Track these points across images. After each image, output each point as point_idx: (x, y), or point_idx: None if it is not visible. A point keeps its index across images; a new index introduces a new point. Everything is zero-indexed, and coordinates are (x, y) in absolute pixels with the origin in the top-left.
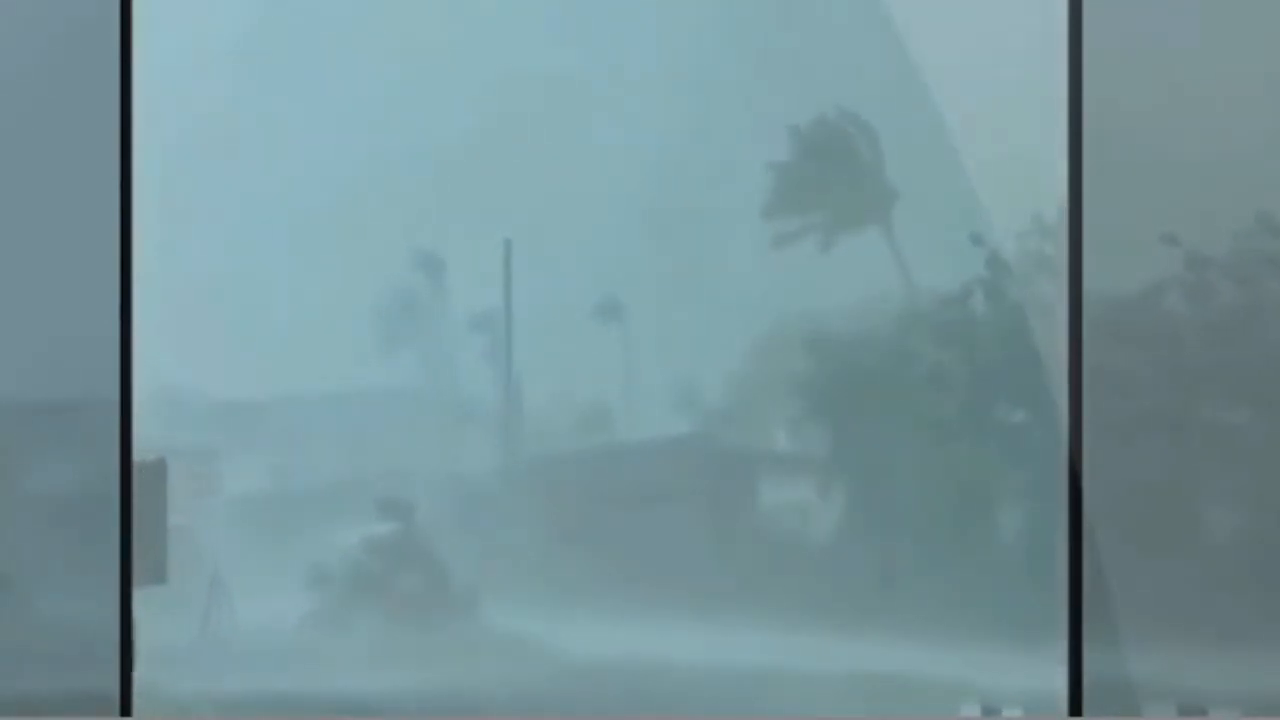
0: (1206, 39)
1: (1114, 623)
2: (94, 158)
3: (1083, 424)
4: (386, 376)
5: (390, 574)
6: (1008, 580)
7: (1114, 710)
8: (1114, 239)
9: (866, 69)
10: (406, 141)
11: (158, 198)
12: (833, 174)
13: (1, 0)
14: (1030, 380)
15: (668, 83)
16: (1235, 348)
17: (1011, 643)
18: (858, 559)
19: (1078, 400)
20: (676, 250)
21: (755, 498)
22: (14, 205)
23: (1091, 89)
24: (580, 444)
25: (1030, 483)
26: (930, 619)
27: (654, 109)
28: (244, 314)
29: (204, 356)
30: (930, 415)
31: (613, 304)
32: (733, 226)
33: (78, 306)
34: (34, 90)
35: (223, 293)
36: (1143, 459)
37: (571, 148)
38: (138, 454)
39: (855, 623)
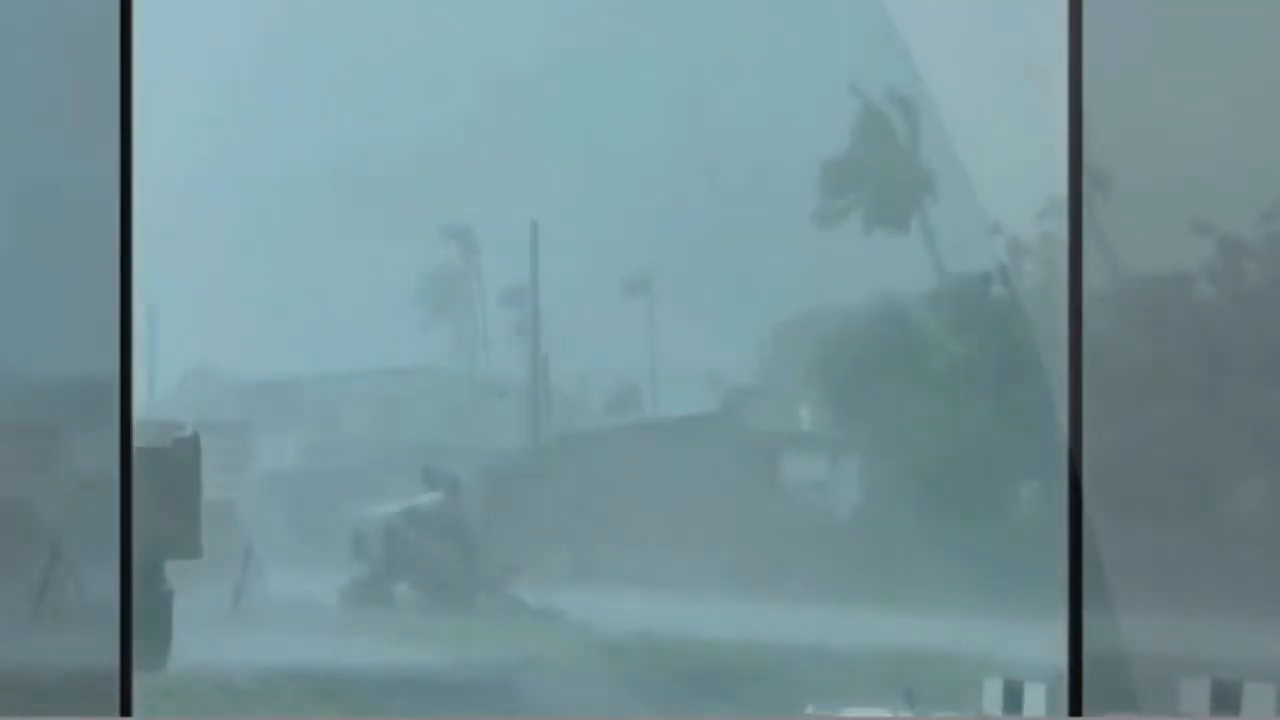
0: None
1: (1145, 601)
2: (108, 137)
3: (1082, 408)
4: (418, 354)
5: (421, 547)
6: (1027, 556)
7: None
8: (1117, 225)
9: (879, 70)
10: (437, 124)
11: (189, 176)
12: (851, 165)
13: None
14: (1041, 362)
15: (695, 71)
16: (1239, 325)
17: (1031, 617)
18: (879, 535)
19: (1078, 386)
20: (702, 233)
21: (779, 475)
22: (26, 189)
23: (1091, 85)
24: (608, 421)
25: (1045, 462)
26: (952, 594)
27: (680, 96)
28: (278, 293)
29: (239, 335)
30: (948, 397)
31: (640, 284)
32: (757, 212)
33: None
34: (38, 74)
35: (258, 273)
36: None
37: (598, 131)
38: (174, 430)
39: (877, 597)
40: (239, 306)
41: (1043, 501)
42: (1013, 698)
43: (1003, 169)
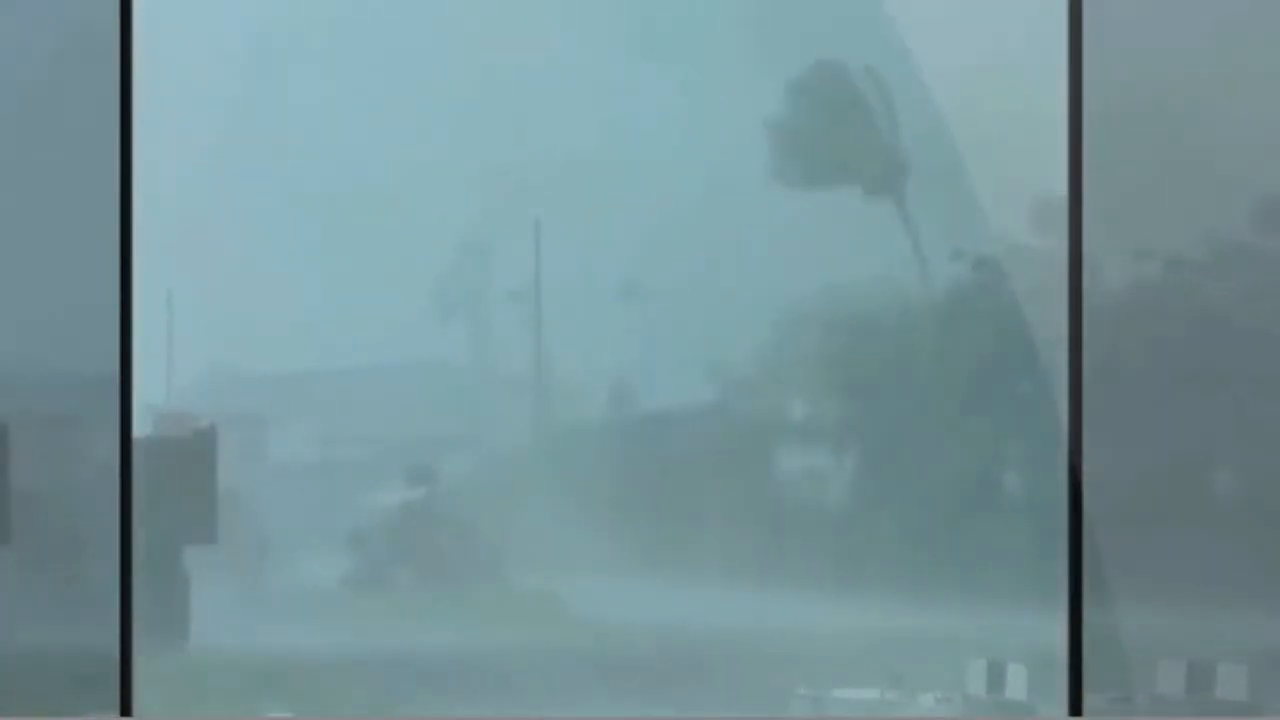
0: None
1: (1125, 589)
2: (104, 138)
3: (1082, 403)
4: (424, 350)
5: (426, 537)
6: (1013, 545)
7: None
8: (1116, 223)
9: (877, 61)
10: (443, 125)
11: (198, 177)
12: (848, 160)
13: None
14: (1035, 355)
15: (690, 70)
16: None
17: (1016, 603)
18: (870, 524)
19: (1078, 380)
20: (699, 230)
21: (773, 466)
22: (33, 183)
23: (1091, 73)
24: (608, 414)
25: (1034, 454)
26: (939, 581)
27: (677, 97)
28: (290, 290)
29: (252, 330)
30: (941, 387)
31: (639, 281)
32: (753, 208)
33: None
34: (40, 76)
35: (270, 270)
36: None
37: (597, 131)
38: (190, 421)
39: (868, 584)
40: (253, 305)
41: (1039, 494)
42: (996, 679)
43: (1002, 164)
